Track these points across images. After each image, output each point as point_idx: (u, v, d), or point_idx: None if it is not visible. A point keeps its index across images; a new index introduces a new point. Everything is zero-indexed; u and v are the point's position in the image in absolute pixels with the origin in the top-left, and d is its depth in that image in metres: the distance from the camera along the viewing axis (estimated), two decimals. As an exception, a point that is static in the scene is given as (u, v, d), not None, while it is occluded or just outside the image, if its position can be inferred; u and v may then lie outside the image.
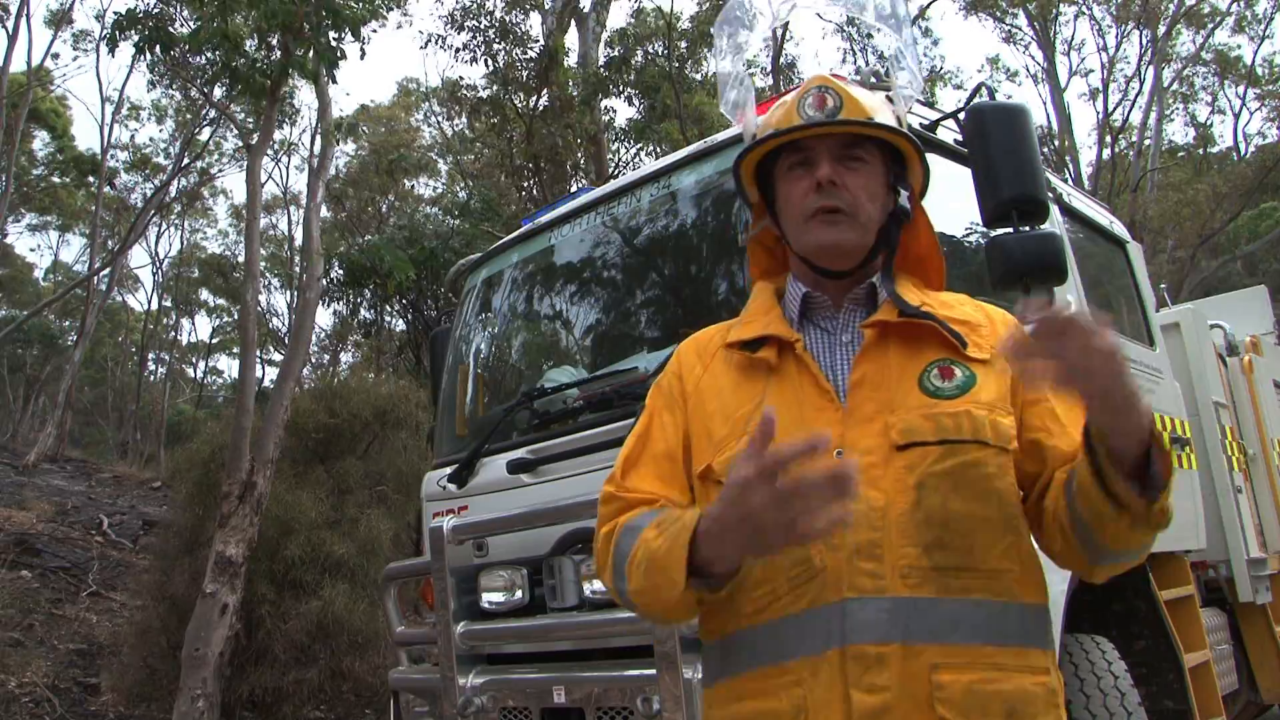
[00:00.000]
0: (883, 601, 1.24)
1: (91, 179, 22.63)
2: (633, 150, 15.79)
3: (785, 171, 1.48)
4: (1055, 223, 3.48)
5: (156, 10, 8.30)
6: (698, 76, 15.12)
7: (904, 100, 1.62)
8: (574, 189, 11.35)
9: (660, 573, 1.26)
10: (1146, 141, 22.11)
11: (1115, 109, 21.90)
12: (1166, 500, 1.20)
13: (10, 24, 17.09)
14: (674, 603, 1.29)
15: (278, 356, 23.63)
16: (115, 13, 8.08)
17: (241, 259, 20.93)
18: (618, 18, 25.83)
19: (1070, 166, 21.13)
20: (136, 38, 7.94)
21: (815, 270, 1.47)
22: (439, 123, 20.72)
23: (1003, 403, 1.36)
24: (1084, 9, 21.58)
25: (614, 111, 18.12)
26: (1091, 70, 22.81)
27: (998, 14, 21.60)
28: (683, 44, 14.38)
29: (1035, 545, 1.38)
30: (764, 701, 1.30)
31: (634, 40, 14.72)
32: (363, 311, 13.75)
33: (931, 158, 3.14)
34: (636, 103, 14.75)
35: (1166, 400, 4.08)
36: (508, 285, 4.14)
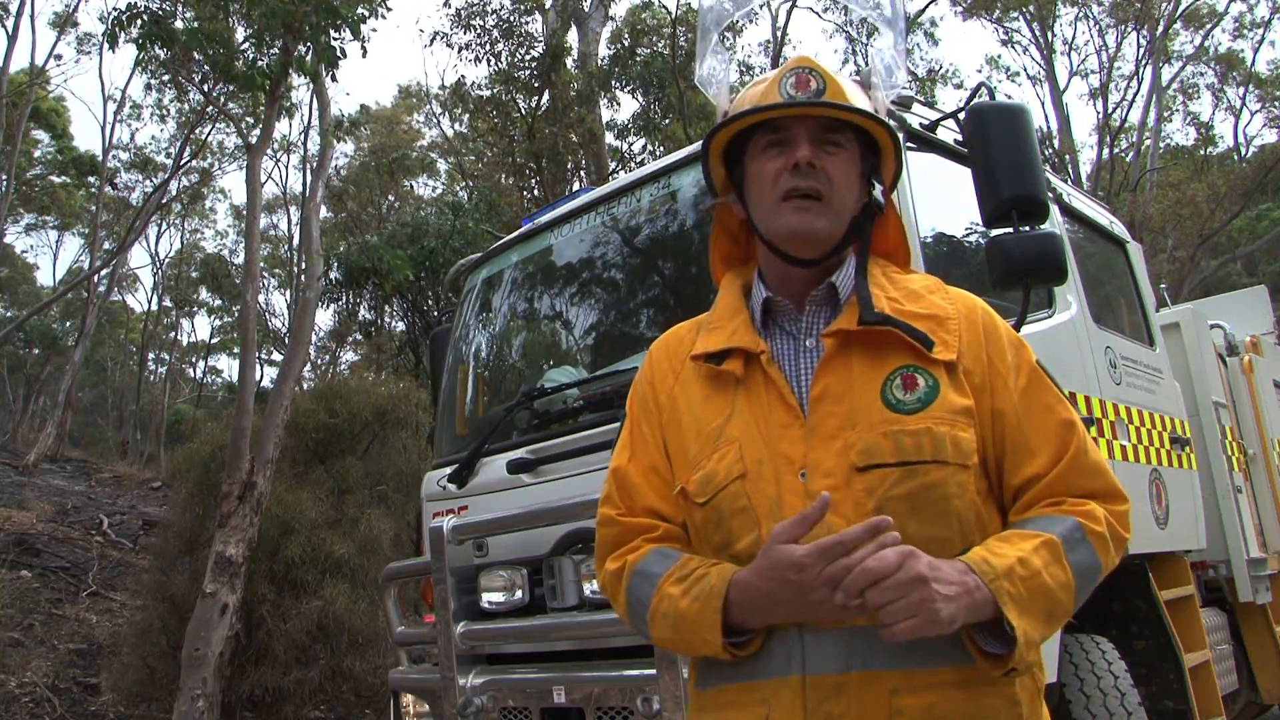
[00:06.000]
0: (841, 632, 1.25)
1: (91, 179, 22.64)
2: (637, 145, 15.81)
3: (759, 151, 1.42)
4: (1055, 223, 3.47)
5: (157, 8, 8.29)
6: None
7: (887, 91, 1.58)
8: (574, 189, 11.34)
9: (692, 632, 1.30)
10: (1146, 141, 22.12)
11: (1115, 109, 21.93)
12: (1022, 658, 1.22)
13: (10, 24, 17.10)
14: (698, 649, 1.33)
15: (278, 356, 23.63)
16: (115, 9, 8.06)
17: (241, 259, 20.94)
18: (624, 6, 25.78)
19: (1070, 167, 21.13)
20: (136, 34, 7.94)
21: (782, 257, 1.42)
22: (439, 122, 20.76)
23: (965, 414, 1.32)
24: (1084, 10, 21.61)
25: (618, 105, 18.11)
26: (1092, 71, 22.77)
27: (995, 17, 21.60)
28: (686, 38, 14.39)
29: None
30: (734, 714, 1.32)
31: (638, 34, 14.74)
32: (362, 311, 13.76)
33: (932, 158, 3.16)
34: (640, 97, 14.77)
35: (1166, 400, 4.08)
36: (508, 285, 4.13)
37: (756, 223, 1.44)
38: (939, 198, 3.03)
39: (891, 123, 1.50)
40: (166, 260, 29.08)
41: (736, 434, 1.35)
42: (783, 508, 1.29)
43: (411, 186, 23.48)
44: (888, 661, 1.23)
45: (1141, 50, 21.21)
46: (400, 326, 15.65)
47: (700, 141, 1.82)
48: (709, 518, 1.36)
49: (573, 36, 15.61)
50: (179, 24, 8.57)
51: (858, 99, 1.44)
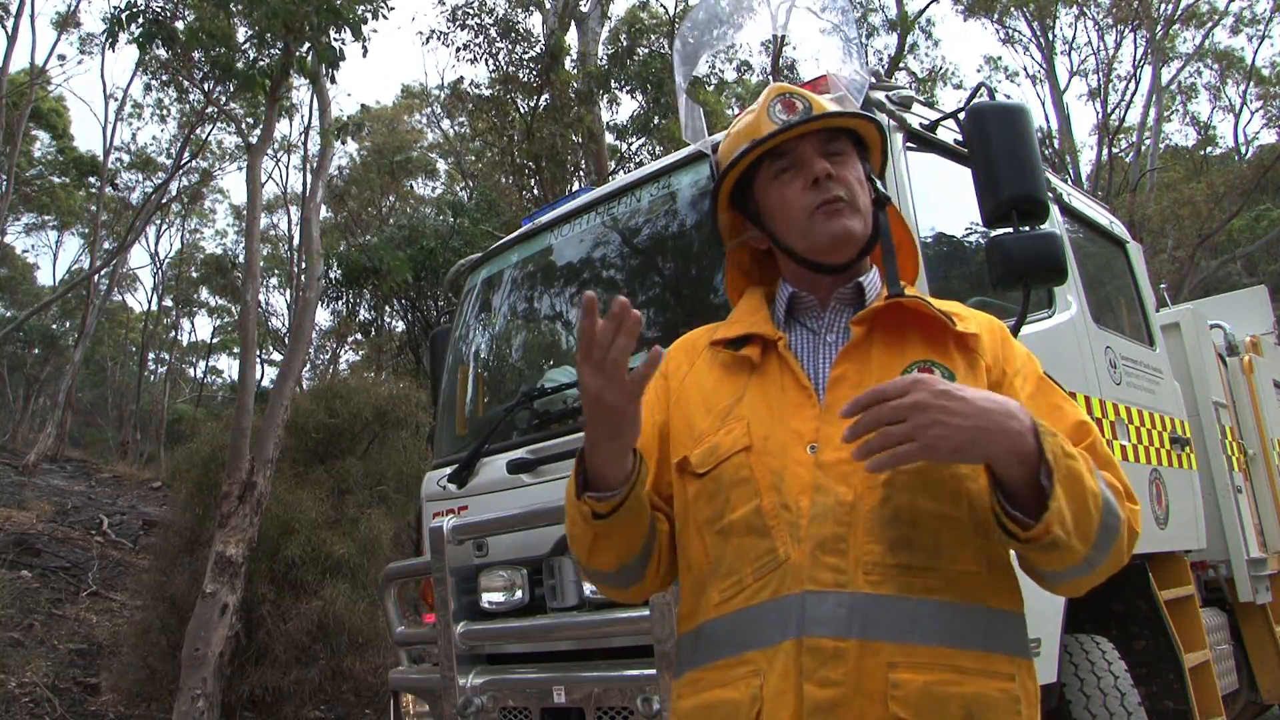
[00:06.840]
0: (843, 596, 1.24)
1: (92, 179, 22.63)
2: (635, 145, 15.80)
3: (770, 180, 1.49)
4: (1055, 223, 3.47)
5: (159, 7, 8.29)
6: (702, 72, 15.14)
7: (855, 92, 1.68)
8: (574, 189, 11.35)
9: (567, 502, 1.39)
10: (1146, 142, 22.13)
11: (1114, 109, 21.94)
12: (1050, 528, 1.16)
13: (11, 24, 17.09)
14: (581, 531, 1.39)
15: (278, 356, 23.63)
16: (115, 7, 8.04)
17: (241, 258, 20.93)
18: (622, 6, 25.76)
19: (1070, 167, 21.14)
20: (138, 32, 7.93)
21: (816, 269, 1.47)
22: (439, 122, 20.77)
23: None
24: (1084, 10, 21.60)
25: (618, 105, 18.13)
26: (1092, 71, 22.77)
27: (995, 16, 21.61)
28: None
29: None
30: (723, 692, 1.30)
31: (636, 33, 14.74)
32: (362, 312, 13.77)
33: (932, 158, 3.15)
34: (639, 97, 14.77)
35: (1166, 400, 4.08)
36: (508, 285, 4.13)
37: (789, 244, 1.49)
38: (939, 198, 3.03)
39: (876, 116, 1.58)
40: (166, 260, 29.13)
41: (746, 412, 1.39)
42: (786, 479, 1.31)
43: (411, 186, 23.50)
44: (888, 634, 1.22)
45: (1139, 51, 21.24)
46: (400, 326, 15.67)
47: (699, 141, 1.84)
48: (705, 489, 1.38)
49: (572, 36, 15.62)
50: (179, 24, 8.57)
51: (835, 107, 1.53)
